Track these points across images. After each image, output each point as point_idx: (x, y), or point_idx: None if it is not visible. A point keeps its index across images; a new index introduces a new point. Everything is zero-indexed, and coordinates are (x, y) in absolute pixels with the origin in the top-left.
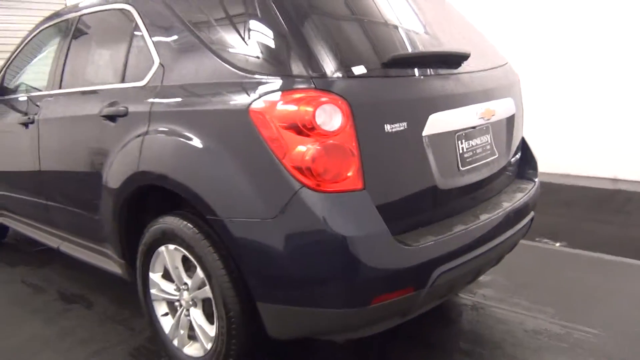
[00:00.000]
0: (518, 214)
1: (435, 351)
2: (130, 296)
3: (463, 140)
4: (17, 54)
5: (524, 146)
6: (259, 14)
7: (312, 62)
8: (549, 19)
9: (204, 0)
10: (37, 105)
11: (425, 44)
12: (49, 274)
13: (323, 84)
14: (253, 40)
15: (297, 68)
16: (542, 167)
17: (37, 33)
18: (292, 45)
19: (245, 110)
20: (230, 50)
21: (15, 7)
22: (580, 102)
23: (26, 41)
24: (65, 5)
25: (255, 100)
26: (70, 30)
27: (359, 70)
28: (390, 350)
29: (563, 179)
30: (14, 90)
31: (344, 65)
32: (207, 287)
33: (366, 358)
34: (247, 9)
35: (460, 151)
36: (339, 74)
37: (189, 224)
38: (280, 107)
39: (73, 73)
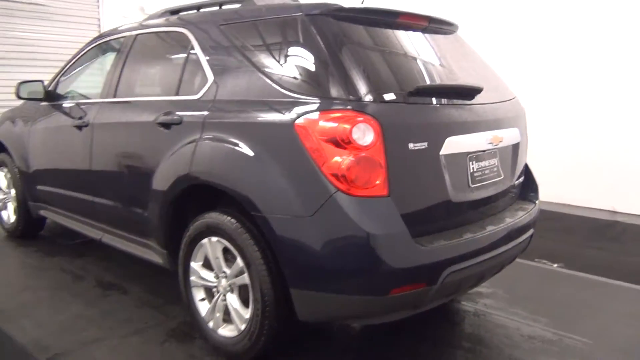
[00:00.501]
0: (519, 229)
1: (440, 347)
2: (162, 286)
3: (474, 161)
4: (71, 64)
5: (527, 171)
6: (304, 42)
7: (349, 87)
8: (553, 61)
9: (254, 27)
10: (92, 111)
11: (444, 78)
12: (85, 264)
13: (359, 106)
14: (299, 65)
15: (336, 91)
16: (544, 196)
17: (92, 47)
18: (333, 72)
19: (291, 125)
20: (278, 72)
21: (53, 20)
22: (583, 138)
23: (81, 54)
24: (99, 19)
25: (300, 116)
26: (126, 46)
27: (389, 96)
28: (401, 344)
29: (564, 208)
30: (66, 97)
31: (377, 92)
32: (246, 275)
33: (379, 349)
34: (294, 36)
35: (471, 170)
36: (372, 99)
37: (232, 219)
38: (322, 123)
39: (128, 84)
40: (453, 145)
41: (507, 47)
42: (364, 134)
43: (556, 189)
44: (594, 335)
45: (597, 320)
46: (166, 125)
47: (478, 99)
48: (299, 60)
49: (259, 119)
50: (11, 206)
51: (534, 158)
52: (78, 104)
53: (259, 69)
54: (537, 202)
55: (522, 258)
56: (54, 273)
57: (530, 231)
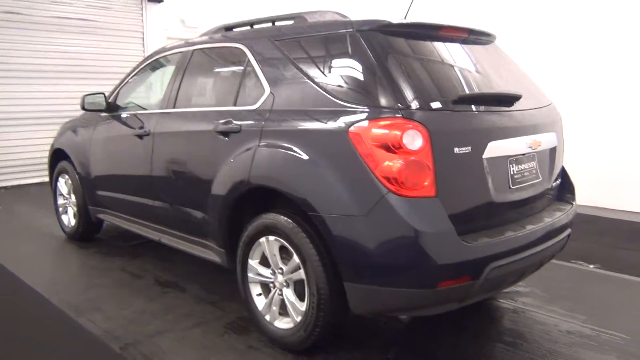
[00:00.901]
0: (557, 228)
1: (482, 340)
2: (216, 284)
3: (514, 164)
4: (130, 78)
5: (563, 174)
6: (356, 55)
7: (398, 96)
8: (587, 68)
9: (307, 42)
10: (152, 121)
11: (484, 86)
12: (143, 264)
13: (408, 114)
14: (351, 76)
15: (387, 101)
16: (579, 200)
17: (150, 62)
18: (383, 82)
19: (345, 132)
20: (331, 83)
21: (101, 34)
22: (615, 143)
23: (139, 68)
24: (142, 33)
25: (353, 124)
26: (184, 61)
27: (435, 104)
28: (444, 337)
29: (599, 211)
30: (125, 108)
31: (423, 100)
32: (302, 270)
33: (424, 341)
34: (346, 50)
35: (512, 173)
36: (419, 107)
37: (288, 220)
38: (375, 130)
39: (187, 96)
40: (495, 149)
41: (544, 56)
42: (413, 140)
43: (590, 193)
44: (631, 332)
45: (635, 318)
46: (225, 134)
47: (517, 105)
48: (351, 72)
49: (314, 126)
50: (71, 211)
51: (567, 163)
52: (137, 115)
53: (313, 80)
54: (574, 203)
55: (558, 259)
56: (115, 273)
57: (568, 231)
